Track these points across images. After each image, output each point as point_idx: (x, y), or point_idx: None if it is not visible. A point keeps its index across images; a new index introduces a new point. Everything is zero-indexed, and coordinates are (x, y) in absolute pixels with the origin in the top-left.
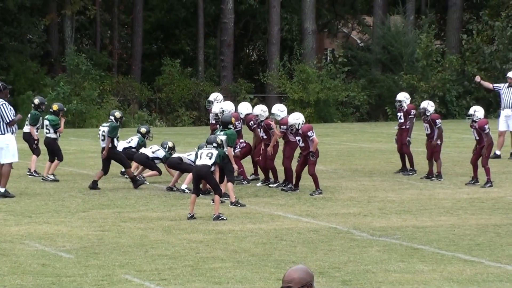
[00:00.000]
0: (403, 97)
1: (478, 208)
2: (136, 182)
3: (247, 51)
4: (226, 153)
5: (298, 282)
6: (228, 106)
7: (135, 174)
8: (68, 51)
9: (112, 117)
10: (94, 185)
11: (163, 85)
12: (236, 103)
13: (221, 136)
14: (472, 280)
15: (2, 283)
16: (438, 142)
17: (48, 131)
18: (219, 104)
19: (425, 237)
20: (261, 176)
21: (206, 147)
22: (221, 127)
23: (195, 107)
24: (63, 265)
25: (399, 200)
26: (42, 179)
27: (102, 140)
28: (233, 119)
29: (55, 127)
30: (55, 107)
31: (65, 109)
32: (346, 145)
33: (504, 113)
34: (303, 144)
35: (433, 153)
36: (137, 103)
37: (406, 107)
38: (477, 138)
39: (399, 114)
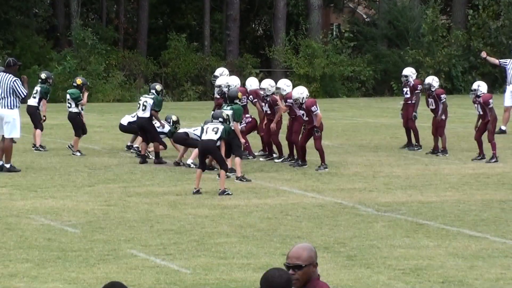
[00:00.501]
0: (410, 72)
1: (483, 183)
2: (158, 158)
3: (253, 26)
4: (233, 128)
5: (306, 260)
6: (234, 81)
7: (140, 149)
8: (74, 25)
9: (153, 90)
10: (143, 159)
11: (169, 59)
12: (242, 78)
13: (228, 111)
14: (477, 256)
15: (8, 257)
16: (443, 117)
17: (70, 105)
18: (225, 78)
19: (430, 213)
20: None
21: (212, 122)
22: (227, 101)
23: (201, 81)
24: (68, 239)
25: (404, 175)
26: (73, 152)
27: (143, 110)
28: (239, 93)
29: (76, 100)
30: (79, 81)
31: (88, 83)
32: (351, 120)
33: (510, 88)
34: (307, 118)
35: (438, 128)
36: (143, 77)
37: (413, 82)
38: (481, 113)
39: (405, 89)
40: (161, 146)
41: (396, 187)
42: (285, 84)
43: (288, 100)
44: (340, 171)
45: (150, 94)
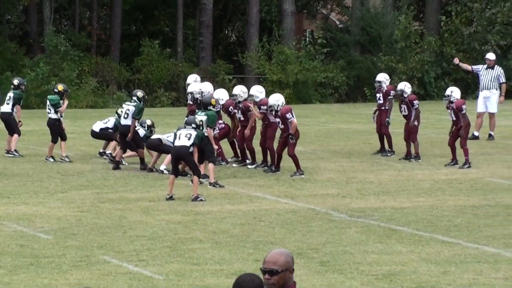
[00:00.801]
0: (383, 77)
1: (456, 189)
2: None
3: (226, 32)
4: (206, 134)
5: (282, 265)
6: (207, 87)
7: (113, 154)
8: (47, 31)
9: (135, 97)
10: (117, 165)
11: (142, 66)
12: (215, 84)
13: (202, 117)
14: (449, 261)
15: None
16: (416, 123)
17: (49, 111)
18: (197, 84)
19: (403, 218)
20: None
21: (185, 128)
22: (201, 107)
23: (174, 88)
24: (41, 246)
25: (377, 181)
26: (61, 160)
27: (125, 118)
28: (213, 100)
29: (56, 106)
30: (60, 87)
31: (69, 90)
32: (324, 126)
33: (482, 94)
34: (282, 126)
35: (410, 134)
36: (116, 84)
37: (386, 88)
38: (454, 119)
39: (378, 95)
40: (135, 153)
41: (369, 193)
42: (257, 91)
43: (261, 107)
44: (313, 177)
45: (132, 101)
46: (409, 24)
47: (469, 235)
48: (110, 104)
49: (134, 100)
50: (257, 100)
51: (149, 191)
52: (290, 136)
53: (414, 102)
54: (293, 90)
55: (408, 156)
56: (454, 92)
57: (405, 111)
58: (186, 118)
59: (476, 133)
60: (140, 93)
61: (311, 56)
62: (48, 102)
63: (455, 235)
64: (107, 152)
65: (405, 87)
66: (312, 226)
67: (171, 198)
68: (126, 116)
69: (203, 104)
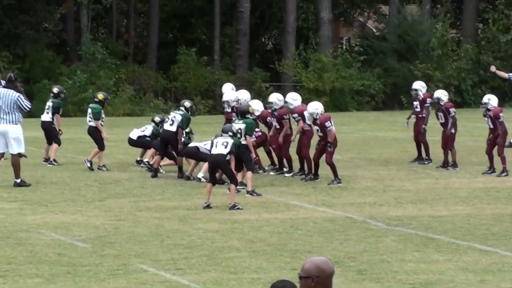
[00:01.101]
0: (419, 85)
1: (493, 197)
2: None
3: (263, 40)
4: (243, 142)
5: (305, 271)
6: (244, 95)
7: (151, 162)
8: (84, 39)
9: (183, 107)
10: (155, 173)
11: (178, 74)
12: (252, 92)
13: (240, 125)
14: (487, 270)
15: (18, 273)
16: (452, 131)
17: (90, 119)
18: (232, 93)
19: (440, 227)
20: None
21: (222, 136)
22: (238, 115)
23: (211, 95)
24: (79, 254)
25: (414, 189)
26: (98, 169)
27: (170, 124)
28: (251, 107)
29: (96, 115)
30: (100, 96)
31: (109, 97)
32: (361, 134)
33: None
34: (321, 134)
35: (447, 142)
36: (152, 92)
37: (422, 96)
38: (491, 127)
39: (415, 103)
40: (173, 161)
41: (407, 201)
42: (291, 98)
43: (294, 115)
44: (350, 185)
45: (179, 110)
46: (446, 32)
47: (507, 243)
48: (147, 112)
49: (182, 110)
50: (291, 107)
51: (187, 200)
52: (328, 144)
53: (450, 110)
54: (330, 98)
55: (445, 165)
56: (491, 100)
57: (442, 119)
58: (223, 126)
59: None
60: (188, 103)
61: (347, 64)
62: (89, 111)
63: (493, 244)
64: (145, 160)
65: (441, 94)
66: (350, 235)
67: (208, 206)
68: (171, 123)
69: (240, 112)
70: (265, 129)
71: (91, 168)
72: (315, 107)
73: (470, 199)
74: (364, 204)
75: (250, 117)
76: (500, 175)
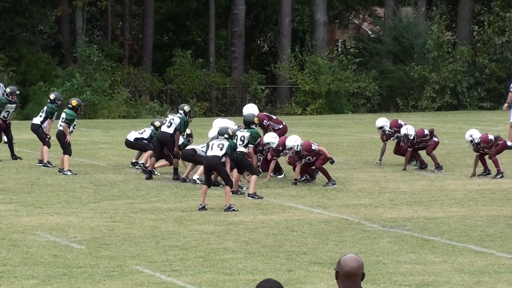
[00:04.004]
0: (383, 122)
1: (489, 199)
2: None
3: (258, 42)
4: (244, 150)
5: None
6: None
7: (146, 164)
8: (79, 42)
9: (181, 111)
10: (150, 175)
11: (174, 76)
12: (247, 94)
13: (245, 133)
14: (483, 271)
15: (14, 274)
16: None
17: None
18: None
19: (436, 228)
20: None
21: (218, 138)
22: (244, 126)
23: (206, 98)
24: (74, 256)
25: (410, 191)
26: (59, 171)
27: (168, 126)
28: (255, 119)
29: (70, 121)
30: (74, 102)
31: (83, 104)
32: (357, 136)
33: None
34: (314, 158)
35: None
36: (148, 94)
37: (389, 129)
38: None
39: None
40: (167, 163)
41: (402, 203)
42: (272, 137)
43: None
44: (345, 187)
45: (178, 114)
46: (441, 34)
47: (502, 245)
48: (142, 114)
49: (180, 113)
50: (274, 146)
51: (182, 201)
52: (330, 160)
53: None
54: (326, 100)
55: (422, 165)
56: (474, 135)
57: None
58: (219, 128)
59: (509, 143)
60: (187, 108)
61: (343, 66)
62: (63, 115)
63: (489, 245)
64: (140, 162)
65: (407, 131)
66: (345, 236)
67: (203, 208)
68: (169, 125)
69: (245, 122)
70: (261, 132)
71: (74, 173)
72: (293, 140)
73: (465, 201)
74: (359, 205)
75: (255, 127)
76: (495, 177)
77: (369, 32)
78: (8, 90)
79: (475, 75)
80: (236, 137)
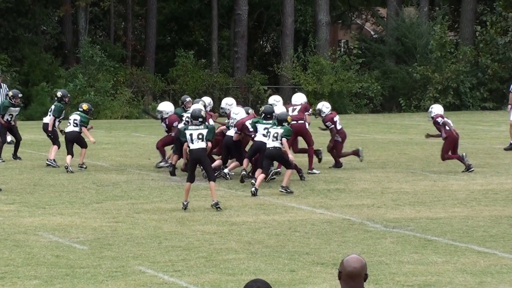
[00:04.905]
0: (322, 105)
1: (491, 199)
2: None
3: (261, 42)
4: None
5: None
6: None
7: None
8: (82, 42)
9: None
10: (174, 171)
11: (176, 76)
12: (250, 95)
13: (278, 129)
14: (485, 272)
15: (16, 274)
16: (338, 139)
17: (75, 125)
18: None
19: (438, 229)
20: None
21: (192, 122)
22: (277, 123)
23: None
24: (77, 256)
25: (412, 191)
26: (79, 167)
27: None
28: (289, 117)
29: (84, 124)
30: (85, 106)
31: (93, 109)
32: (359, 137)
33: None
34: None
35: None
36: (151, 94)
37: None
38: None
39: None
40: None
41: (405, 203)
42: (324, 106)
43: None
44: (348, 188)
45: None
46: (444, 34)
47: (505, 245)
48: (145, 114)
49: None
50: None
51: None
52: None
53: (326, 123)
54: (328, 100)
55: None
56: (434, 108)
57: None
58: (191, 112)
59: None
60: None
61: (346, 66)
62: (78, 118)
63: (491, 246)
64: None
65: (323, 106)
66: (347, 237)
67: (187, 207)
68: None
69: (279, 120)
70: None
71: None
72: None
73: (468, 201)
74: (362, 206)
75: (287, 125)
76: (465, 171)
77: (372, 33)
78: (10, 93)
79: (477, 76)
80: (269, 134)
